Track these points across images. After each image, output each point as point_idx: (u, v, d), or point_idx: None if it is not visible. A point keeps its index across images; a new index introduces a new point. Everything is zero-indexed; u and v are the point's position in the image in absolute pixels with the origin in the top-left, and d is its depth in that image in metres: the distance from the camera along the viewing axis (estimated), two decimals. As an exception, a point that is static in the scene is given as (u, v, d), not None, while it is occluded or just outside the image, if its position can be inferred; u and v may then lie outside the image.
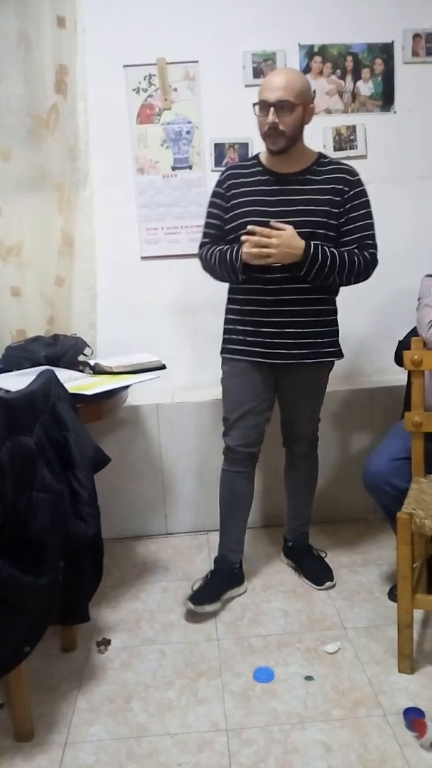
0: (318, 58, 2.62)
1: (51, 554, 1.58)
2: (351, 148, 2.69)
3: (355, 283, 2.06)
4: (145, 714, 1.76)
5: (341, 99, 2.66)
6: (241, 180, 2.08)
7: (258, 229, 1.90)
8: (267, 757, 1.58)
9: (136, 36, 2.56)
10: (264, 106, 1.94)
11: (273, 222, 1.92)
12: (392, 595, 2.17)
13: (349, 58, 2.63)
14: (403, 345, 2.17)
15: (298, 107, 1.94)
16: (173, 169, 2.67)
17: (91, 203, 2.65)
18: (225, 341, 2.19)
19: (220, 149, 2.64)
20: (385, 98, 2.67)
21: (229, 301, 2.17)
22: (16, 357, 2.27)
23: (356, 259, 1.99)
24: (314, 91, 2.61)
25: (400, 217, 2.74)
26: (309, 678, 1.85)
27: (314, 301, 2.06)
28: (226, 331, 2.19)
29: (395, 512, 1.82)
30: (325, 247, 1.95)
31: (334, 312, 2.16)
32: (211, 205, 2.15)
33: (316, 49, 2.61)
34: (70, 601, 1.77)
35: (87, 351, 2.43)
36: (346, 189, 2.01)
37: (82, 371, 2.28)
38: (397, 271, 2.73)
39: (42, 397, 1.69)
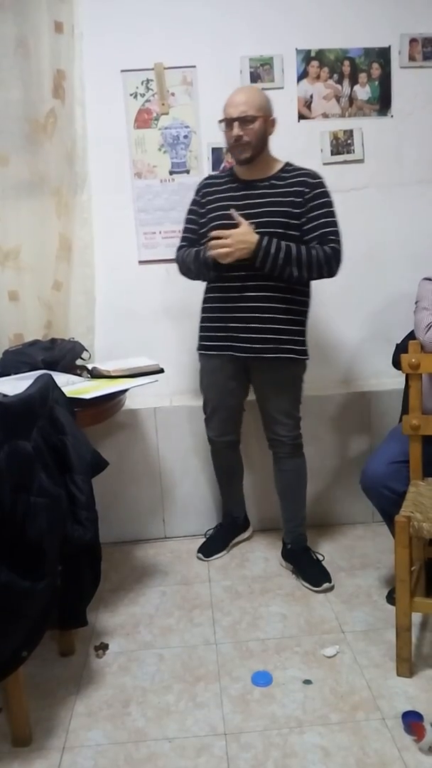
0: (315, 63, 2.63)
1: (49, 559, 1.58)
2: (348, 153, 2.69)
3: (318, 277, 2.16)
4: (143, 718, 1.75)
5: (338, 103, 2.67)
6: (214, 188, 2.27)
7: (215, 232, 2.09)
8: (265, 762, 1.58)
9: (134, 41, 2.57)
10: (228, 122, 2.13)
11: (233, 212, 2.11)
12: (390, 598, 2.17)
13: (347, 63, 2.64)
14: (401, 348, 2.17)
15: (259, 119, 2.12)
16: (171, 173, 2.68)
17: (89, 208, 2.65)
18: (199, 338, 2.36)
19: (217, 153, 2.65)
20: (383, 102, 2.68)
21: (203, 300, 2.34)
22: (14, 361, 2.27)
23: (314, 252, 2.11)
24: (311, 96, 2.65)
25: (397, 220, 2.75)
26: (307, 682, 1.85)
27: (279, 299, 2.17)
28: (200, 329, 2.36)
29: (393, 515, 1.82)
30: (281, 241, 2.09)
31: (301, 313, 2.25)
32: (189, 212, 2.35)
33: (313, 54, 2.62)
34: (68, 606, 1.77)
35: (85, 355, 2.44)
36: (306, 191, 2.15)
37: (79, 375, 2.28)
38: (394, 275, 2.75)
39: (40, 401, 1.69)
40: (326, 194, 2.17)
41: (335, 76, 2.64)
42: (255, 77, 2.62)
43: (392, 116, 2.69)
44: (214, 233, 2.09)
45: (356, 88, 2.66)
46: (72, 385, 2.08)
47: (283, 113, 2.64)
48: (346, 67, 2.64)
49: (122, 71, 2.60)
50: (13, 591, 1.48)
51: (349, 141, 2.69)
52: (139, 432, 2.71)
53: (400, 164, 2.72)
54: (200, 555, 2.58)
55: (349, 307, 2.81)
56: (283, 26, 2.59)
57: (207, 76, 2.61)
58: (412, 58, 2.65)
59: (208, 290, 2.32)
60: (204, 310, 2.34)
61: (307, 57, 2.62)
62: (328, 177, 2.68)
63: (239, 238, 2.06)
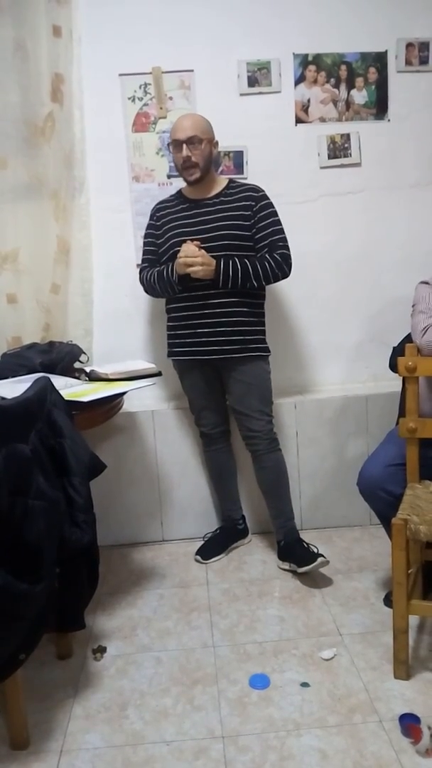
0: (312, 67, 2.64)
1: (46, 561, 1.58)
2: (345, 156, 2.70)
3: (274, 281, 2.36)
4: (141, 721, 1.75)
5: (335, 107, 2.68)
6: (167, 211, 2.43)
7: (186, 251, 2.25)
8: (263, 764, 1.58)
9: (132, 45, 2.58)
10: (178, 144, 2.29)
11: (195, 243, 2.26)
12: (388, 601, 2.17)
13: (343, 67, 2.65)
14: (398, 351, 2.18)
15: (204, 141, 2.29)
16: (169, 177, 2.68)
17: (87, 211, 2.66)
18: (169, 345, 2.49)
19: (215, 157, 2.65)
20: (379, 106, 2.69)
21: (168, 311, 2.47)
22: (12, 364, 2.27)
23: (266, 264, 2.31)
24: (309, 100, 2.66)
25: (393, 224, 2.76)
26: (305, 684, 1.85)
27: (240, 303, 2.33)
28: (169, 337, 2.48)
29: (390, 518, 1.82)
30: (236, 260, 2.27)
31: (260, 314, 2.43)
32: (147, 236, 2.50)
33: (310, 58, 2.63)
34: (65, 609, 1.77)
35: (83, 358, 2.44)
36: (253, 204, 2.34)
37: (77, 378, 2.28)
38: (391, 278, 2.76)
39: (37, 404, 1.69)
40: (271, 205, 2.36)
41: (332, 80, 2.65)
42: (252, 81, 2.63)
43: (389, 120, 2.70)
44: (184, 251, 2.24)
45: (353, 92, 2.67)
46: (70, 388, 2.08)
47: (281, 117, 2.67)
48: (343, 72, 2.65)
49: (120, 75, 2.61)
50: (11, 593, 1.48)
51: (346, 145, 2.70)
52: (137, 435, 2.71)
53: (397, 168, 2.73)
54: (198, 557, 2.58)
55: (345, 311, 2.82)
56: (281, 30, 2.60)
57: (205, 80, 2.62)
58: (408, 62, 2.66)
59: (170, 301, 2.44)
60: (170, 318, 2.46)
61: (304, 61, 2.63)
62: (325, 181, 2.72)
63: (208, 259, 2.24)
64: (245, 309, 2.35)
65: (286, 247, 2.35)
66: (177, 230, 2.36)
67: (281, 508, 2.49)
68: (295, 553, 2.42)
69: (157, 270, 2.38)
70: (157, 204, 2.49)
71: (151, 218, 2.49)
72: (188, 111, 2.62)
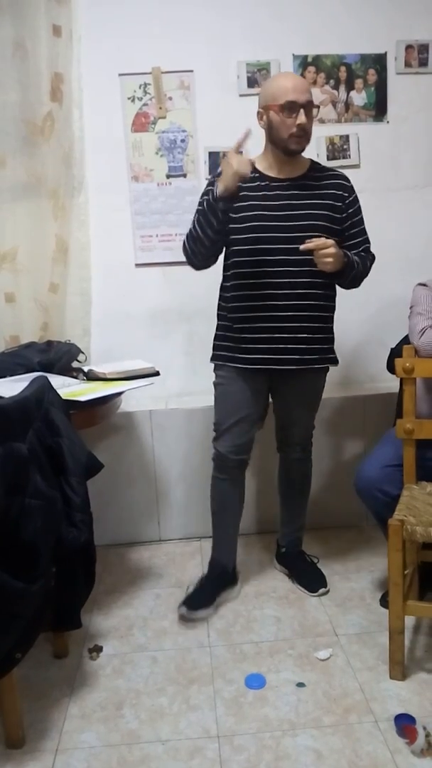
0: (312, 69, 2.64)
1: (43, 560, 1.58)
2: (344, 158, 2.71)
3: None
4: (136, 721, 1.75)
5: (335, 109, 2.68)
6: (239, 186, 1.96)
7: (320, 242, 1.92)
8: (258, 764, 1.59)
9: (132, 45, 2.58)
10: (293, 107, 1.93)
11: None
12: (384, 601, 2.18)
13: (343, 69, 2.65)
14: (395, 353, 2.18)
15: (314, 109, 2.00)
16: (168, 177, 2.69)
17: (86, 210, 2.66)
18: (219, 348, 2.18)
19: (214, 158, 2.65)
20: (378, 108, 2.69)
21: (222, 308, 2.16)
22: (10, 363, 2.27)
23: (368, 263, 2.14)
24: (308, 101, 2.66)
25: (392, 225, 2.76)
26: (301, 685, 1.86)
27: (322, 307, 2.09)
28: (219, 338, 2.18)
29: (387, 519, 1.83)
30: (352, 254, 2.04)
31: (332, 319, 2.17)
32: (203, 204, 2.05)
33: (309, 60, 2.63)
34: (62, 608, 1.77)
35: (81, 357, 2.44)
36: (346, 195, 2.09)
37: (75, 377, 2.28)
38: (389, 280, 2.76)
39: (35, 403, 1.69)
40: (358, 199, 2.13)
41: (331, 81, 2.66)
42: (252, 82, 2.63)
43: (388, 122, 2.71)
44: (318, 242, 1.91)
45: (352, 93, 2.67)
46: (68, 387, 2.08)
47: (280, 118, 2.67)
48: (343, 73, 2.65)
49: (120, 75, 2.61)
50: (7, 592, 1.48)
51: (345, 146, 2.70)
52: (135, 434, 2.71)
53: (396, 169, 2.74)
54: (183, 609, 2.20)
55: (344, 311, 2.79)
56: (280, 32, 2.60)
57: (204, 81, 2.62)
58: (408, 64, 2.66)
59: (228, 299, 2.12)
60: (224, 318, 2.14)
61: (303, 62, 2.64)
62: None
63: (338, 250, 1.93)
64: (327, 314, 2.11)
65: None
66: (255, 212, 2.01)
67: (295, 518, 2.41)
68: (296, 567, 2.40)
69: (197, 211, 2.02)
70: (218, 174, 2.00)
71: (213, 185, 1.98)
72: (188, 111, 2.63)
